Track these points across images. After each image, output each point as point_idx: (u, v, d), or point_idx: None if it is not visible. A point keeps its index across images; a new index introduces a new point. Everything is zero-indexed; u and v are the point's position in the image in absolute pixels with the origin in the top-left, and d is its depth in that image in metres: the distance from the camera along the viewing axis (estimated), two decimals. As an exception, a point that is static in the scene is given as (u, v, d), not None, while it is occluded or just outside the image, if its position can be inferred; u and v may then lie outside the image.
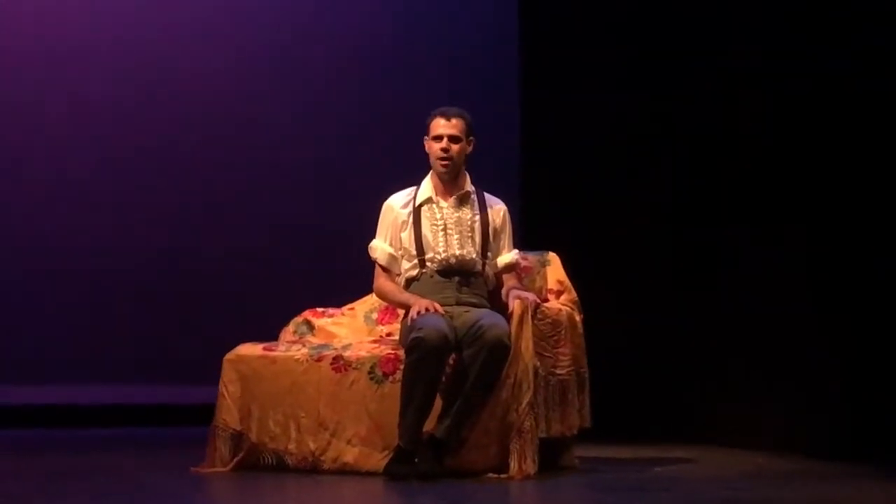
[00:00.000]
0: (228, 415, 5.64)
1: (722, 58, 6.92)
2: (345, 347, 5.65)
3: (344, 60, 8.54)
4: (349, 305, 6.13)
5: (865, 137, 6.01)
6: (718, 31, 6.97)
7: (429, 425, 5.31)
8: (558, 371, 5.55)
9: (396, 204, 5.68)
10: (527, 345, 5.35)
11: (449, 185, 5.64)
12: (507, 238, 5.73)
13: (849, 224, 6.04)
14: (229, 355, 5.73)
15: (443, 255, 5.57)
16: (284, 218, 8.37)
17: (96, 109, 8.28)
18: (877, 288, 5.91)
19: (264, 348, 5.73)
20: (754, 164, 6.66)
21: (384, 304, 5.92)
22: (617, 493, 5.01)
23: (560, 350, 5.56)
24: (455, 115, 5.61)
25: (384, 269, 5.67)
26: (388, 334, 5.91)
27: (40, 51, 8.24)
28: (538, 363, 5.43)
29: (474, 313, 5.42)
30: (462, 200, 5.65)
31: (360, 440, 5.48)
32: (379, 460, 5.41)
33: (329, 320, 6.06)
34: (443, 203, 5.63)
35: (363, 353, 5.57)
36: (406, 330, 5.46)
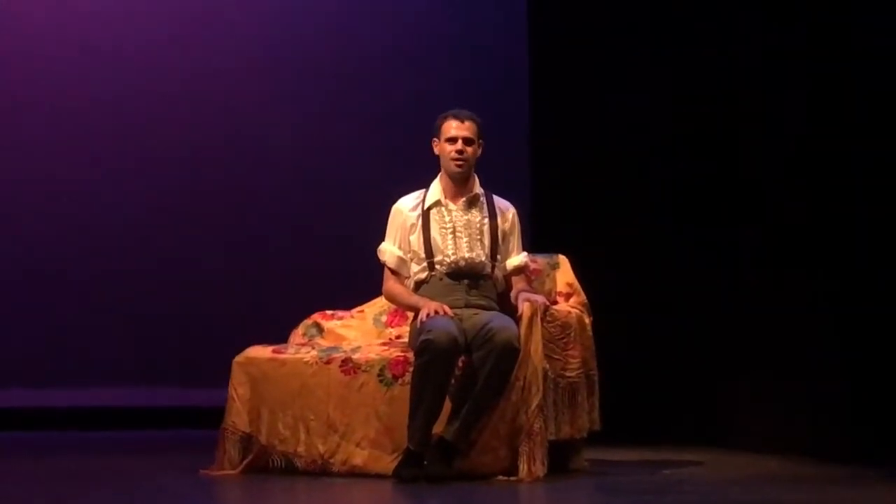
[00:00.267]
0: (238, 417, 5.64)
1: (732, 58, 6.90)
2: (354, 350, 5.65)
3: (353, 63, 8.53)
4: (358, 308, 6.12)
5: (867, 137, 5.99)
6: (725, 31, 6.96)
7: (438, 428, 5.31)
8: (568, 374, 5.54)
9: (405, 207, 5.68)
10: (536, 347, 5.35)
11: (459, 187, 5.64)
12: (516, 241, 5.72)
13: (859, 225, 6.02)
14: (239, 358, 5.73)
15: (452, 258, 5.56)
16: (294, 220, 8.37)
17: (100, 111, 8.28)
18: (887, 291, 5.89)
19: (274, 351, 5.73)
20: (762, 164, 6.65)
21: (393, 306, 5.92)
22: (626, 496, 5.01)
23: (569, 352, 5.55)
24: (467, 118, 5.61)
25: (393, 272, 5.66)
26: (398, 337, 5.90)
27: (41, 51, 8.25)
28: (547, 366, 5.43)
29: (484, 316, 5.41)
30: (471, 203, 5.65)
31: (369, 443, 5.48)
32: (388, 463, 5.41)
33: (338, 323, 6.06)
34: (452, 206, 5.62)
35: (372, 356, 5.57)
36: (415, 332, 5.46)
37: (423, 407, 5.27)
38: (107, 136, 8.30)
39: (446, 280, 5.57)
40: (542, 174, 7.98)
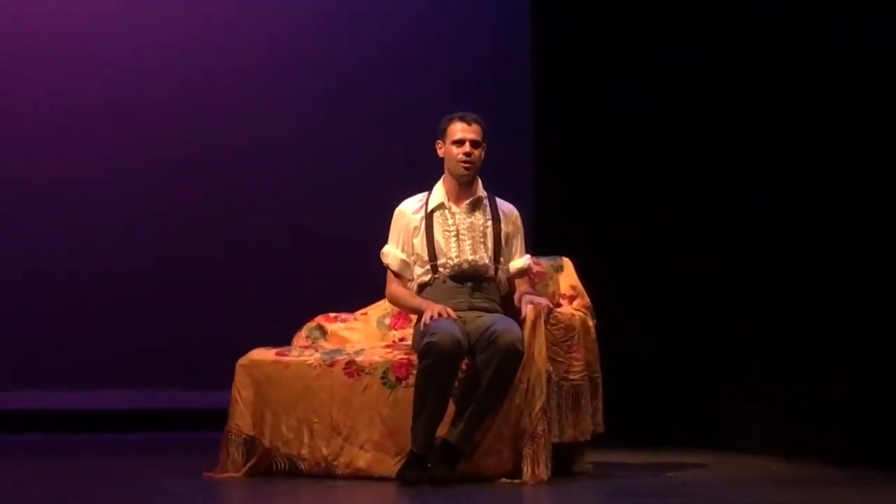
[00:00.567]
0: (241, 420, 5.64)
1: (733, 59, 6.90)
2: (357, 352, 5.65)
3: (356, 66, 8.54)
4: (362, 310, 6.12)
5: (869, 137, 5.99)
6: (726, 32, 6.96)
7: (442, 430, 5.31)
8: (571, 376, 5.54)
9: (408, 210, 5.68)
10: (540, 350, 5.35)
11: (462, 190, 5.64)
12: (519, 243, 5.72)
13: (861, 225, 6.02)
14: (242, 360, 5.73)
15: (455, 261, 5.56)
16: (297, 222, 8.37)
17: (100, 112, 8.28)
18: (889, 292, 5.89)
19: (277, 353, 5.73)
20: (763, 165, 6.65)
21: (397, 309, 5.92)
22: (630, 499, 5.01)
23: (573, 355, 5.55)
24: (473, 120, 5.62)
25: (396, 274, 5.66)
26: (401, 339, 5.90)
27: (42, 52, 8.26)
28: (551, 368, 5.43)
29: (487, 318, 5.41)
30: (475, 206, 5.65)
31: (372, 445, 5.48)
32: (392, 465, 5.41)
33: (342, 325, 6.06)
34: (455, 209, 5.62)
35: (376, 358, 5.57)
36: (419, 335, 5.46)
37: (426, 409, 5.27)
38: (108, 137, 8.30)
39: (450, 283, 5.57)
40: (546, 176, 7.99)
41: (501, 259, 5.65)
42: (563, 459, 5.56)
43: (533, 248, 6.01)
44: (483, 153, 5.63)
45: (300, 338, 6.02)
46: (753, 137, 6.73)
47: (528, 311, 5.40)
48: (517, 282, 5.69)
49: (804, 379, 6.32)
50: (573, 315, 5.60)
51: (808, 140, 6.32)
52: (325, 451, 5.53)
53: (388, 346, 5.77)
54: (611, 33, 7.71)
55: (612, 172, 7.63)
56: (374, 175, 8.14)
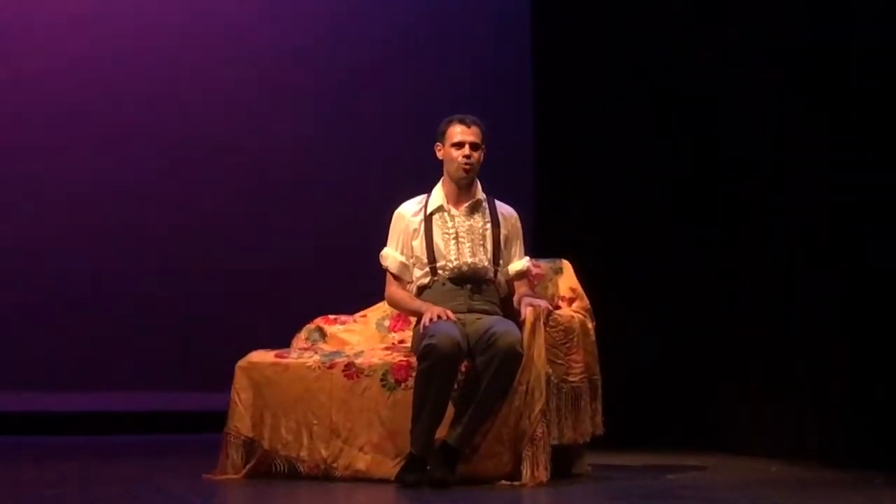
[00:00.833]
0: (241, 422, 5.64)
1: (734, 61, 6.90)
2: (357, 354, 5.65)
3: (354, 68, 8.55)
4: (361, 312, 6.13)
5: (868, 137, 5.99)
6: (726, 33, 6.97)
7: (441, 432, 5.31)
8: (571, 378, 5.54)
9: (407, 212, 5.67)
10: (539, 352, 5.34)
11: (461, 192, 5.64)
12: (518, 246, 5.72)
13: (863, 227, 6.02)
14: (241, 362, 5.73)
15: (455, 264, 5.56)
16: (297, 225, 8.38)
17: (100, 114, 8.30)
18: (891, 293, 5.88)
19: (276, 355, 5.72)
20: (763, 165, 6.65)
21: (396, 311, 5.92)
22: (630, 501, 5.00)
23: (572, 357, 5.55)
24: (473, 122, 5.62)
25: (395, 277, 5.66)
26: (401, 341, 5.90)
27: (41, 51, 8.27)
28: (550, 370, 5.43)
29: (486, 320, 5.41)
30: (474, 208, 5.65)
31: (372, 447, 5.48)
32: (391, 467, 5.41)
33: (341, 327, 6.06)
34: (454, 211, 5.62)
35: (375, 361, 5.57)
36: (418, 337, 5.46)
37: (425, 411, 5.27)
38: (111, 140, 8.31)
39: (449, 285, 5.57)
40: (545, 179, 7.99)
41: (501, 261, 5.65)
42: (563, 461, 5.57)
43: (532, 250, 6.01)
44: (482, 156, 5.63)
45: (299, 340, 6.02)
46: (753, 138, 6.73)
47: (527, 313, 5.40)
48: (516, 284, 5.69)
49: (804, 381, 6.32)
50: (572, 317, 5.60)
51: (807, 140, 6.33)
52: (324, 452, 5.53)
53: (387, 349, 5.77)
54: (611, 34, 7.71)
55: (611, 174, 7.63)
56: (374, 177, 8.15)
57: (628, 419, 6.36)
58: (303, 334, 6.04)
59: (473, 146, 5.58)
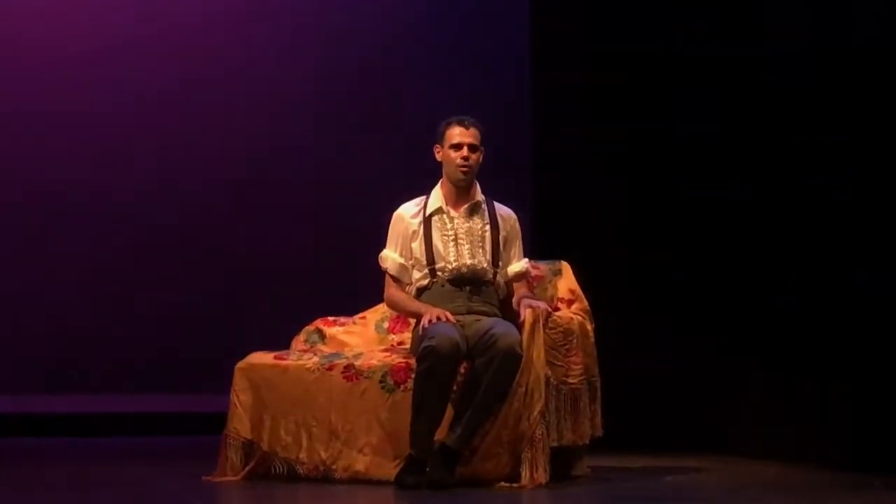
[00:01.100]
0: (240, 423, 5.63)
1: (733, 63, 6.90)
2: (356, 356, 5.65)
3: (354, 69, 8.54)
4: (361, 314, 6.12)
5: (865, 136, 6.00)
6: (726, 35, 6.97)
7: (440, 434, 5.31)
8: (570, 380, 5.54)
9: (406, 214, 5.67)
10: (538, 354, 5.34)
11: (460, 194, 5.64)
12: (517, 247, 5.72)
13: (862, 229, 6.02)
14: (241, 364, 5.72)
15: (454, 265, 5.56)
16: (296, 226, 8.37)
17: (100, 115, 8.29)
18: (891, 295, 5.89)
19: (276, 357, 5.72)
20: (764, 166, 6.65)
21: (395, 313, 5.92)
22: (629, 503, 5.00)
23: (572, 359, 5.55)
24: (472, 124, 5.61)
25: (394, 278, 5.66)
26: (400, 343, 5.90)
27: (41, 51, 8.27)
28: (550, 372, 5.42)
29: (486, 322, 5.41)
30: (473, 210, 5.65)
31: (371, 449, 5.47)
32: (390, 469, 5.41)
33: (340, 329, 6.05)
34: (453, 213, 5.62)
35: (374, 362, 5.57)
36: (417, 339, 5.46)
37: (425, 413, 5.27)
38: (111, 139, 8.30)
39: (448, 287, 5.56)
40: (545, 180, 7.99)
41: (500, 263, 5.65)
42: (562, 463, 5.56)
43: (532, 251, 6.00)
44: (481, 157, 5.63)
45: (299, 342, 6.02)
46: (752, 140, 6.73)
47: (526, 314, 5.39)
48: (515, 285, 5.68)
49: (803, 383, 6.32)
50: (572, 319, 5.60)
51: (807, 140, 6.33)
52: (323, 454, 5.52)
53: (386, 350, 5.77)
54: (611, 34, 7.70)
55: (611, 176, 7.63)
56: (373, 179, 8.14)
57: (627, 421, 6.35)
58: (302, 336, 6.04)
59: (472, 148, 5.58)
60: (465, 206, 5.64)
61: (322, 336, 6.02)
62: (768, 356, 6.58)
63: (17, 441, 7.65)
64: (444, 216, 5.62)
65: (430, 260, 5.58)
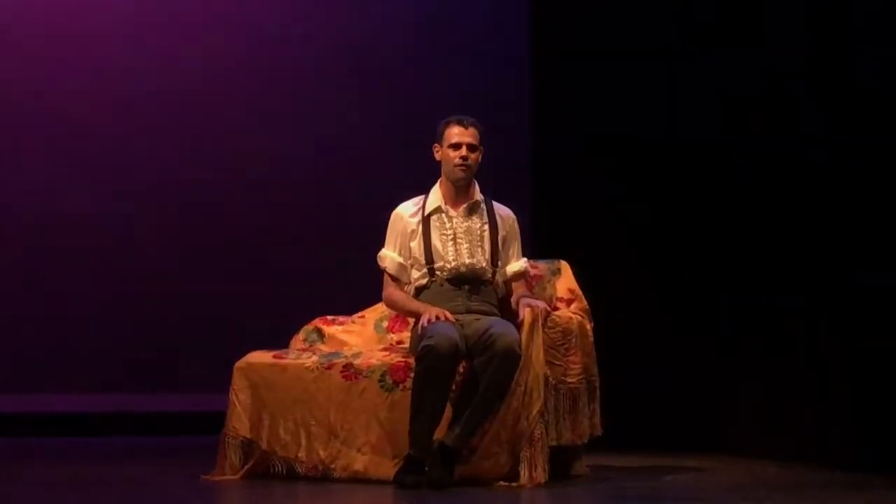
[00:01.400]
0: (239, 423, 5.63)
1: (733, 65, 6.90)
2: (355, 355, 5.65)
3: (353, 69, 8.54)
4: (360, 313, 6.12)
5: (865, 135, 6.00)
6: (726, 37, 6.97)
7: (439, 433, 5.30)
8: (569, 379, 5.54)
9: (405, 213, 5.67)
10: (537, 353, 5.34)
11: (459, 193, 5.64)
12: (516, 247, 5.72)
13: (861, 228, 6.02)
14: (240, 363, 5.72)
15: (453, 265, 5.56)
16: (295, 225, 8.37)
17: (100, 117, 8.28)
18: (890, 294, 5.88)
19: (274, 356, 5.72)
20: (763, 166, 6.65)
21: (394, 312, 5.92)
22: (628, 502, 5.01)
23: (570, 358, 5.55)
24: (471, 124, 5.61)
25: (393, 278, 5.66)
26: (399, 342, 5.90)
27: (47, 52, 8.27)
28: (549, 371, 5.42)
29: (485, 321, 5.41)
30: (472, 209, 5.64)
31: (370, 448, 5.47)
32: (389, 468, 5.41)
33: (339, 328, 6.05)
34: (452, 212, 5.62)
35: (373, 361, 5.56)
36: (416, 338, 5.46)
37: (424, 412, 5.27)
38: (110, 140, 8.29)
39: (447, 286, 5.56)
40: (544, 180, 7.99)
41: (499, 262, 5.65)
42: (561, 463, 5.56)
43: (531, 251, 6.01)
44: (480, 156, 5.63)
45: (298, 341, 6.02)
46: (757, 140, 6.73)
47: (525, 314, 5.39)
48: (514, 285, 5.68)
49: (802, 383, 6.32)
50: (571, 318, 5.60)
51: (807, 140, 6.33)
52: (322, 453, 5.52)
53: (385, 349, 5.77)
54: (610, 34, 7.70)
55: (610, 175, 7.63)
56: (372, 178, 8.14)
57: (626, 420, 6.35)
58: (301, 335, 6.04)
59: (471, 147, 5.58)
60: (464, 205, 5.64)
61: (321, 335, 6.02)
62: (768, 356, 6.57)
63: (15, 440, 7.65)
64: (443, 215, 5.62)
65: (429, 259, 5.58)
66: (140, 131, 8.34)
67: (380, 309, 6.04)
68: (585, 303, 5.78)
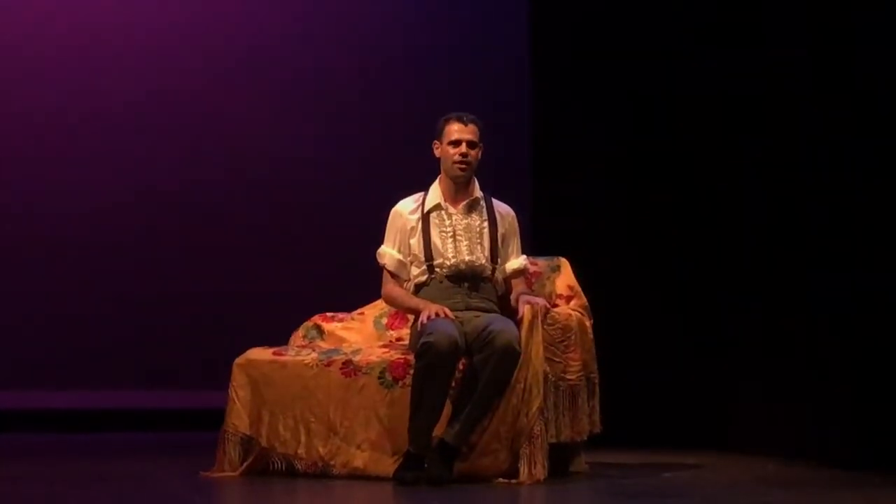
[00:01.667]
0: (238, 419, 5.63)
1: (732, 63, 6.90)
2: (355, 352, 5.65)
3: (352, 66, 8.54)
4: (359, 310, 6.12)
5: (865, 135, 5.99)
6: (725, 34, 6.97)
7: (438, 430, 5.30)
8: (568, 376, 5.54)
9: (405, 210, 5.67)
10: (537, 350, 5.34)
11: (459, 190, 5.64)
12: (515, 244, 5.72)
13: (862, 227, 6.02)
14: (239, 360, 5.72)
15: (452, 262, 5.56)
16: (294, 222, 8.37)
17: (101, 113, 8.29)
18: (890, 293, 5.88)
19: (274, 353, 5.72)
20: (762, 165, 6.65)
21: (394, 309, 5.92)
22: (627, 499, 5.01)
23: (570, 355, 5.55)
24: (470, 121, 5.61)
25: (393, 274, 5.65)
26: (398, 339, 5.90)
27: (50, 54, 8.27)
28: (548, 368, 5.42)
29: (484, 318, 5.41)
30: (471, 207, 5.64)
31: (369, 445, 5.47)
32: (389, 465, 5.40)
33: (339, 325, 6.05)
34: (452, 209, 5.62)
35: (373, 358, 5.56)
36: (416, 335, 5.45)
37: (423, 409, 5.27)
38: (111, 138, 8.30)
39: (446, 283, 5.56)
40: (543, 176, 7.99)
41: (498, 259, 5.65)
42: (560, 459, 5.57)
43: (530, 248, 6.01)
44: (480, 153, 5.63)
45: (297, 337, 6.01)
46: (757, 137, 6.73)
47: (525, 311, 5.39)
48: (514, 282, 5.68)
49: (802, 380, 6.32)
50: (570, 315, 5.60)
51: (807, 140, 6.32)
52: (321, 450, 5.52)
53: (385, 346, 5.77)
54: (611, 34, 7.71)
55: (610, 172, 7.63)
56: (371, 175, 8.15)
57: (626, 417, 6.35)
58: (300, 332, 6.04)
59: (470, 144, 5.58)
60: (464, 202, 5.64)
61: (320, 332, 6.02)
62: (768, 353, 6.57)
63: (15, 437, 7.65)
64: (443, 212, 5.62)
65: (429, 256, 5.58)
66: (140, 131, 8.35)
67: (379, 306, 6.04)
68: (585, 299, 5.79)
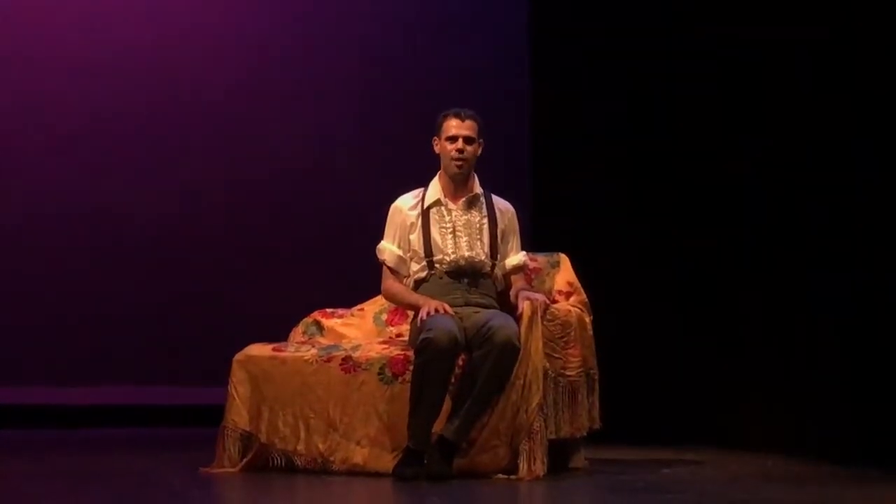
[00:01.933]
0: (238, 415, 5.64)
1: (732, 59, 6.91)
2: (354, 348, 5.65)
3: (352, 61, 8.55)
4: (359, 306, 6.13)
5: (866, 135, 6.00)
6: (726, 32, 6.97)
7: (438, 426, 5.31)
8: (568, 372, 5.54)
9: (404, 206, 5.67)
10: (536, 346, 5.34)
11: (458, 186, 5.64)
12: (514, 240, 5.72)
13: (861, 225, 6.02)
14: (239, 356, 5.73)
15: (452, 258, 5.56)
16: (294, 218, 8.38)
17: (102, 113, 8.30)
18: (889, 290, 5.89)
19: (274, 349, 5.73)
20: (762, 164, 6.66)
21: (394, 305, 5.92)
22: (626, 495, 5.00)
23: (569, 351, 5.55)
24: (469, 116, 5.61)
25: (392, 270, 5.66)
26: (398, 335, 5.90)
27: (52, 52, 8.28)
28: (548, 364, 5.43)
29: (484, 314, 5.41)
30: (471, 203, 5.65)
31: (369, 441, 5.48)
32: (388, 461, 5.41)
33: (339, 321, 6.06)
34: (451, 205, 5.62)
35: (373, 354, 5.57)
36: (416, 331, 5.46)
37: (423, 405, 5.27)
38: (111, 138, 8.31)
39: (446, 279, 5.57)
40: (543, 172, 8.00)
41: (498, 255, 5.65)
42: (560, 455, 5.57)
43: (530, 244, 6.01)
44: (478, 149, 5.63)
45: (297, 333, 6.02)
46: (757, 135, 6.73)
47: (524, 307, 5.39)
48: (513, 278, 5.69)
49: (802, 376, 6.32)
50: (570, 311, 5.61)
51: (807, 140, 6.33)
52: (321, 446, 5.53)
53: (384, 342, 5.77)
54: (611, 28, 7.71)
55: (609, 168, 7.63)
56: (371, 171, 8.15)
57: (625, 413, 6.36)
58: (300, 328, 6.04)
59: (468, 140, 5.58)
60: (464, 198, 5.64)
61: (320, 328, 6.02)
62: (767, 350, 6.58)
63: (15, 432, 7.66)
64: (443, 208, 5.62)
65: (428, 252, 5.59)
66: (140, 131, 8.35)
67: (379, 302, 6.04)
68: (584, 296, 5.79)
